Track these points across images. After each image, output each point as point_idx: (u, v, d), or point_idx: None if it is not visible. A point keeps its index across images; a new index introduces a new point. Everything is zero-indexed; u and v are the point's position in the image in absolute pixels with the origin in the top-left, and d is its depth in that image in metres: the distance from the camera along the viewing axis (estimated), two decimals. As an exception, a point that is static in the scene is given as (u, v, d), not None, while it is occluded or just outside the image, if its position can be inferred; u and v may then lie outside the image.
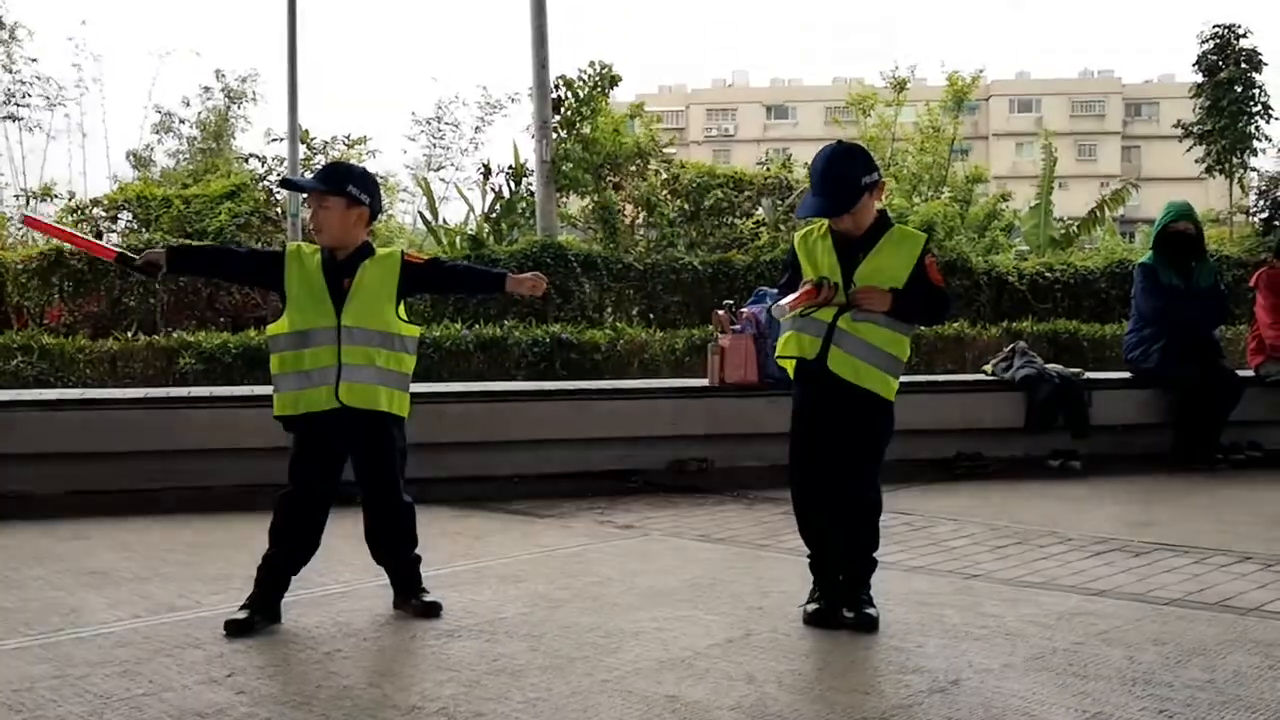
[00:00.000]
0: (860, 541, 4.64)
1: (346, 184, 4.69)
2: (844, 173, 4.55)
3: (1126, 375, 9.71)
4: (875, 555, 4.67)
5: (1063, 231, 24.02)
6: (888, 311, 4.55)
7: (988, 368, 9.71)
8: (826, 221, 4.68)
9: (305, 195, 4.91)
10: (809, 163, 4.84)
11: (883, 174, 4.77)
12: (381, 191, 5.08)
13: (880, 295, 4.53)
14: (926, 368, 13.40)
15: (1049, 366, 9.38)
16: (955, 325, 14.22)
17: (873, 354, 4.58)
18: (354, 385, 4.59)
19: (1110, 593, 5.10)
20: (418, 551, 4.90)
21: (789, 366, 4.79)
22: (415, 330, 4.83)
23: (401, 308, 4.75)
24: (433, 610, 4.73)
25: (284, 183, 5.52)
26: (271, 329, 4.75)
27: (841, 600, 4.58)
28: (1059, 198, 25.78)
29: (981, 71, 28.79)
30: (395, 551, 4.86)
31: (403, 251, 4.83)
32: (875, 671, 3.98)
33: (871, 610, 4.53)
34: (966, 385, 9.57)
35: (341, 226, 4.68)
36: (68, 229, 5.01)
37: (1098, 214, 23.96)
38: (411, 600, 4.80)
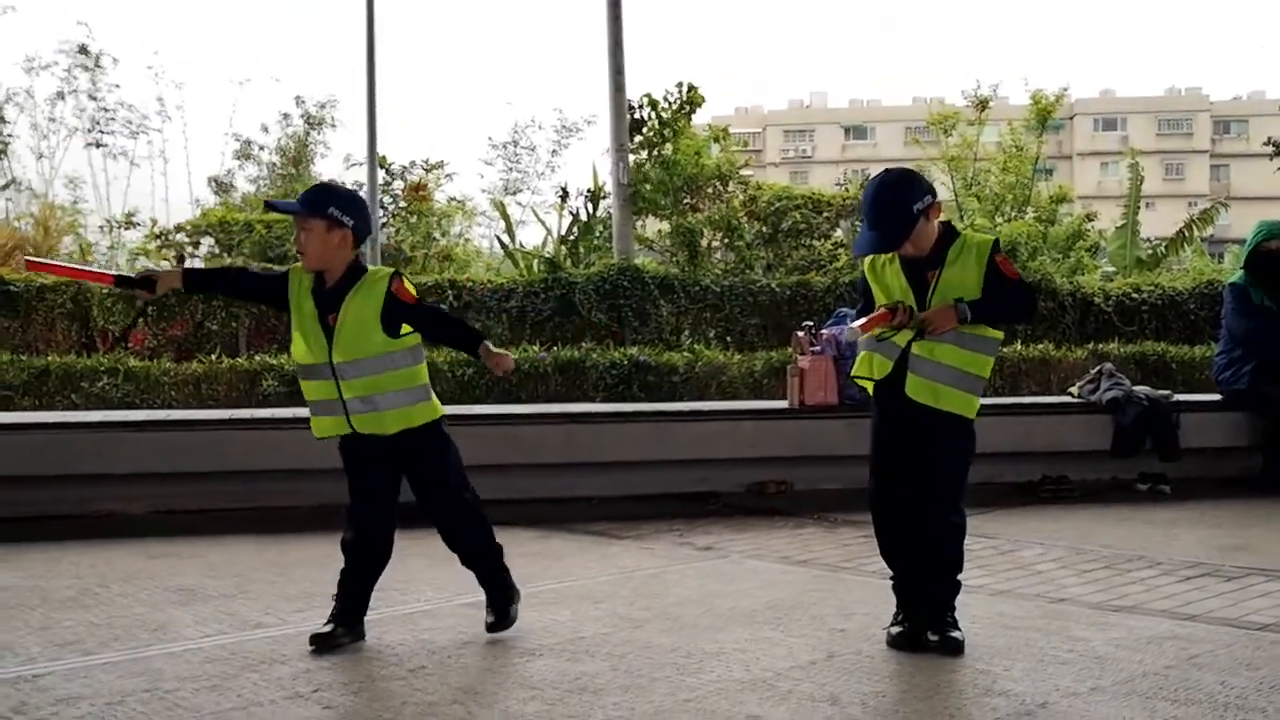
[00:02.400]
0: (944, 564, 4.58)
1: (328, 206, 4.64)
2: (895, 203, 4.49)
3: (1216, 397, 9.52)
4: (959, 578, 4.61)
5: (1150, 252, 23.67)
6: (974, 320, 4.46)
7: (1074, 390, 9.57)
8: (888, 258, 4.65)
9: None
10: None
11: (935, 193, 4.69)
12: (368, 213, 4.97)
13: (946, 314, 4.45)
14: (1011, 390, 13.24)
15: (1137, 389, 9.23)
16: (1040, 347, 14.04)
17: (951, 375, 4.52)
18: (362, 416, 4.62)
19: (1201, 617, 4.99)
20: (498, 545, 4.86)
21: (866, 386, 4.75)
22: (414, 339, 4.73)
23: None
24: (500, 627, 4.72)
25: (268, 205, 5.53)
26: (291, 353, 4.80)
27: (926, 623, 4.53)
28: (1145, 218, 25.39)
29: (1066, 89, 28.44)
30: (472, 552, 4.84)
31: (393, 276, 4.70)
32: (960, 694, 3.92)
33: (956, 634, 4.48)
34: (1052, 408, 9.44)
35: (323, 249, 4.63)
36: (62, 263, 5.13)
37: (1185, 234, 23.57)
38: (489, 613, 4.77)
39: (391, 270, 4.80)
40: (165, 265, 4.88)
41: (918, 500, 4.59)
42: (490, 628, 4.74)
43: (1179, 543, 6.82)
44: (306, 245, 4.64)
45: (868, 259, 4.75)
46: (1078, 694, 3.90)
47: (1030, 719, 3.65)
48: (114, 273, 5.01)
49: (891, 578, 4.72)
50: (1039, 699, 3.85)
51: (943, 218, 4.63)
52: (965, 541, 4.64)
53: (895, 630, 4.58)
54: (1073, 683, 4.03)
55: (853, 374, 4.82)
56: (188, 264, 17.32)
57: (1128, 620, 4.95)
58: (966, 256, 4.54)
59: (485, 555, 4.86)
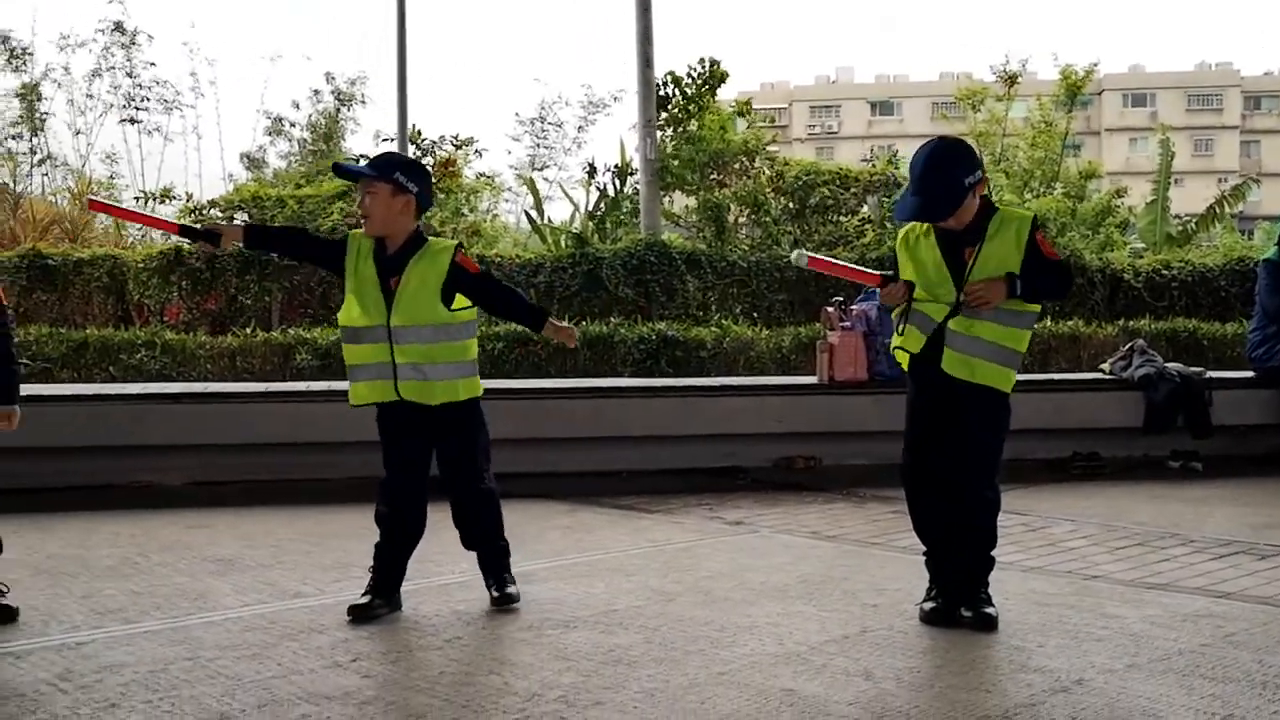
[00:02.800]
0: (977, 539, 4.58)
1: (393, 171, 4.72)
2: (946, 173, 4.44)
3: (1248, 374, 9.47)
4: (993, 554, 4.62)
5: (1180, 228, 23.51)
6: (1023, 295, 4.45)
7: (1105, 366, 9.54)
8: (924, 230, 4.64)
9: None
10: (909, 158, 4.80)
11: (984, 168, 4.69)
12: (432, 184, 5.04)
13: (997, 286, 4.43)
14: (1041, 366, 13.20)
15: (1169, 365, 9.20)
16: (1070, 324, 13.98)
17: (988, 349, 4.51)
18: (410, 383, 4.65)
19: (1236, 595, 4.99)
20: (505, 540, 4.93)
21: (902, 360, 4.74)
22: (470, 313, 4.80)
23: (456, 299, 4.73)
24: (508, 601, 4.77)
25: (336, 168, 5.46)
26: (340, 318, 4.80)
27: (959, 599, 4.53)
28: (1175, 194, 25.22)
29: (1095, 65, 28.23)
30: (478, 537, 4.91)
31: (458, 248, 4.79)
32: (996, 670, 3.94)
33: (990, 609, 4.49)
34: (1083, 384, 9.41)
35: (387, 213, 4.68)
36: (128, 208, 5.19)
37: (1216, 210, 23.41)
38: (493, 589, 4.84)
39: (455, 242, 4.88)
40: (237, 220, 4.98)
41: (953, 469, 4.58)
42: (496, 601, 4.79)
43: (1212, 520, 6.81)
44: (371, 209, 4.69)
45: (901, 233, 4.73)
46: (1114, 671, 3.91)
47: (1067, 695, 3.66)
48: (179, 222, 5.06)
49: (925, 553, 4.72)
50: (1075, 675, 3.86)
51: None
52: (999, 517, 4.64)
53: (929, 606, 4.59)
54: (1108, 660, 4.04)
55: (892, 346, 4.82)
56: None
57: (1162, 598, 4.95)
58: (1006, 232, 4.50)
59: (491, 539, 4.91)
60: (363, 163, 4.86)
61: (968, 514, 4.57)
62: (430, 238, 4.83)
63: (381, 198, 4.67)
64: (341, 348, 4.82)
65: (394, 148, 19.68)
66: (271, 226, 5.00)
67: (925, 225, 4.61)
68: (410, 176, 4.73)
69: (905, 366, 4.74)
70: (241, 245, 4.91)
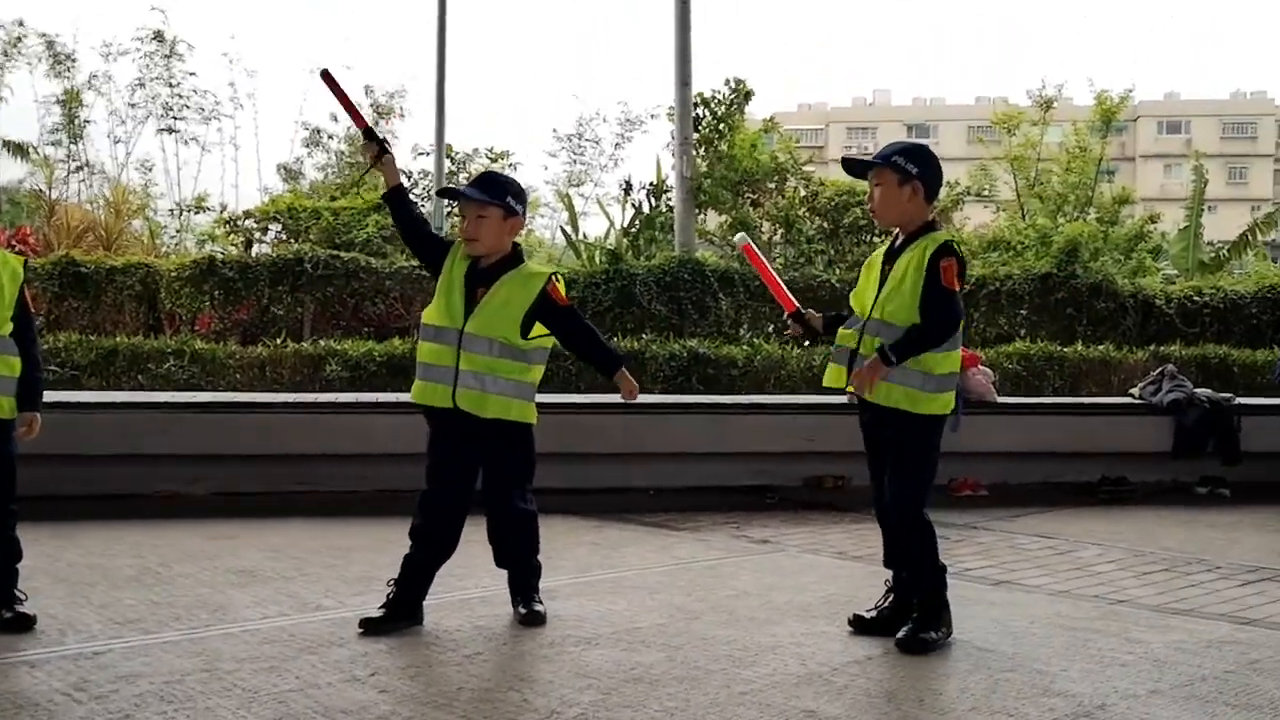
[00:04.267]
0: (911, 562, 4.56)
1: (506, 195, 4.77)
2: (897, 148, 4.58)
3: (1278, 401, 9.40)
4: (935, 582, 4.54)
5: (1212, 255, 23.38)
6: (899, 361, 4.40)
7: (1135, 391, 9.48)
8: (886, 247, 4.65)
9: (458, 204, 4.93)
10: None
11: (940, 185, 4.68)
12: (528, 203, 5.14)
13: (872, 370, 4.41)
14: (1072, 390, 13.12)
15: (1198, 391, 9.13)
16: (1101, 348, 13.89)
17: (897, 373, 4.44)
18: (468, 391, 4.65)
19: (1262, 622, 4.94)
20: (539, 559, 4.95)
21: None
22: (547, 341, 4.83)
23: (535, 328, 4.75)
24: (534, 620, 4.77)
25: (444, 192, 5.43)
26: (424, 314, 4.83)
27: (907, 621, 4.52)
28: (1208, 221, 25.09)
29: (1130, 91, 28.11)
30: (510, 556, 4.92)
31: (551, 276, 4.80)
32: (1018, 694, 3.90)
33: (926, 635, 4.41)
34: (1112, 408, 9.37)
35: (497, 236, 4.75)
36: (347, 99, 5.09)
37: (1248, 238, 23.27)
38: (519, 607, 4.85)
39: (551, 269, 4.93)
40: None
41: (887, 498, 4.62)
42: (522, 620, 4.79)
43: (1239, 546, 6.75)
44: (480, 231, 4.73)
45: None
46: (1136, 696, 3.87)
47: (1088, 720, 3.63)
48: (371, 128, 5.06)
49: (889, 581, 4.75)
50: (1097, 700, 3.82)
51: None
52: (939, 544, 4.58)
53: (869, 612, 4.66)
54: (1131, 685, 4.00)
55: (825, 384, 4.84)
56: (256, 249, 17.50)
57: (1187, 623, 4.90)
58: (915, 253, 4.46)
59: (524, 561, 4.93)
60: (463, 183, 4.89)
61: (899, 541, 4.60)
62: (526, 260, 4.87)
63: (493, 221, 4.73)
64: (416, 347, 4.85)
65: (429, 161, 19.73)
66: (413, 202, 4.99)
67: (885, 249, 4.66)
68: (518, 199, 4.81)
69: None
70: (385, 189, 4.95)
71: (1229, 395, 9.35)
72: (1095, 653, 4.41)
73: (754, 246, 4.83)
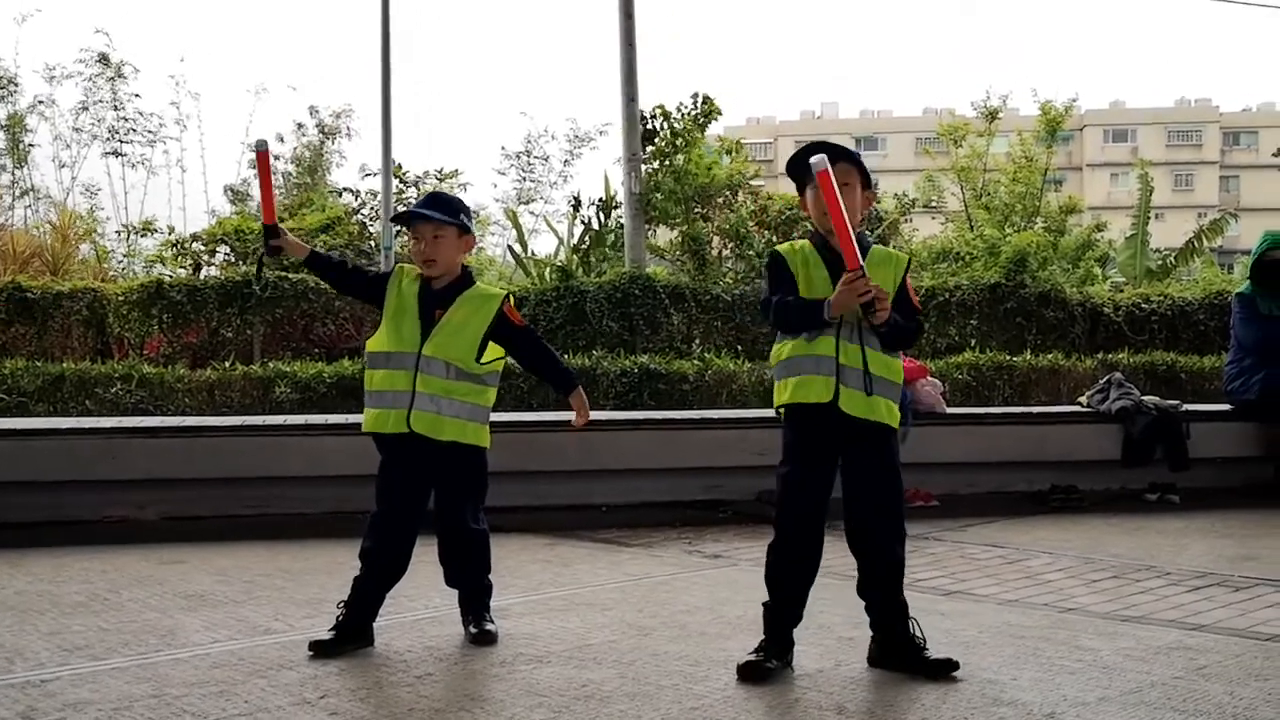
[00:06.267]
0: (896, 576, 4.51)
1: (459, 213, 4.81)
2: (837, 146, 4.41)
3: (1226, 407, 9.51)
4: (766, 602, 4.53)
5: (1159, 263, 23.66)
6: (889, 329, 4.24)
7: (1083, 399, 9.57)
8: (807, 241, 4.48)
9: (410, 226, 4.88)
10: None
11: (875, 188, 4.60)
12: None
13: (881, 295, 4.16)
14: (1021, 399, 13.24)
15: (1146, 398, 9.23)
16: (1050, 357, 14.03)
17: (878, 385, 4.32)
18: (424, 414, 4.64)
19: (1210, 628, 4.98)
20: (489, 579, 4.95)
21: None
22: (499, 365, 4.85)
23: (489, 350, 4.77)
24: (486, 639, 4.75)
25: (400, 218, 5.20)
26: (370, 344, 4.82)
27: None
28: (1155, 229, 25.41)
29: (1075, 100, 28.52)
30: (463, 576, 4.91)
31: (506, 297, 4.81)
32: (969, 704, 3.92)
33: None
34: (1061, 417, 9.44)
35: (453, 256, 4.77)
36: (268, 179, 5.10)
37: (1195, 245, 23.58)
38: (471, 626, 4.83)
39: (505, 291, 4.93)
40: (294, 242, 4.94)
41: (870, 520, 4.52)
42: (474, 639, 4.76)
43: (1188, 553, 6.82)
44: (437, 253, 4.73)
45: (784, 247, 4.50)
46: (1085, 703, 3.90)
47: (1037, 728, 3.65)
48: (276, 217, 5.02)
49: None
50: (1046, 709, 3.84)
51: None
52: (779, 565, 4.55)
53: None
54: (1080, 692, 4.03)
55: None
56: (204, 272, 17.39)
57: (1136, 630, 4.94)
58: (886, 267, 4.38)
59: (475, 580, 4.91)
60: (400, 209, 4.91)
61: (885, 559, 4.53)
62: (478, 280, 4.88)
63: (450, 241, 4.74)
64: (365, 375, 4.82)
65: (378, 181, 19.67)
66: (329, 256, 4.95)
67: (808, 245, 4.44)
68: (469, 216, 4.84)
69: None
70: (301, 259, 4.93)
71: (1176, 402, 9.44)
72: (1045, 661, 4.44)
73: (830, 175, 4.12)
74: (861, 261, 4.13)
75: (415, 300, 4.73)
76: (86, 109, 27.07)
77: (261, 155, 5.05)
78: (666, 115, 17.49)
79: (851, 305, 4.16)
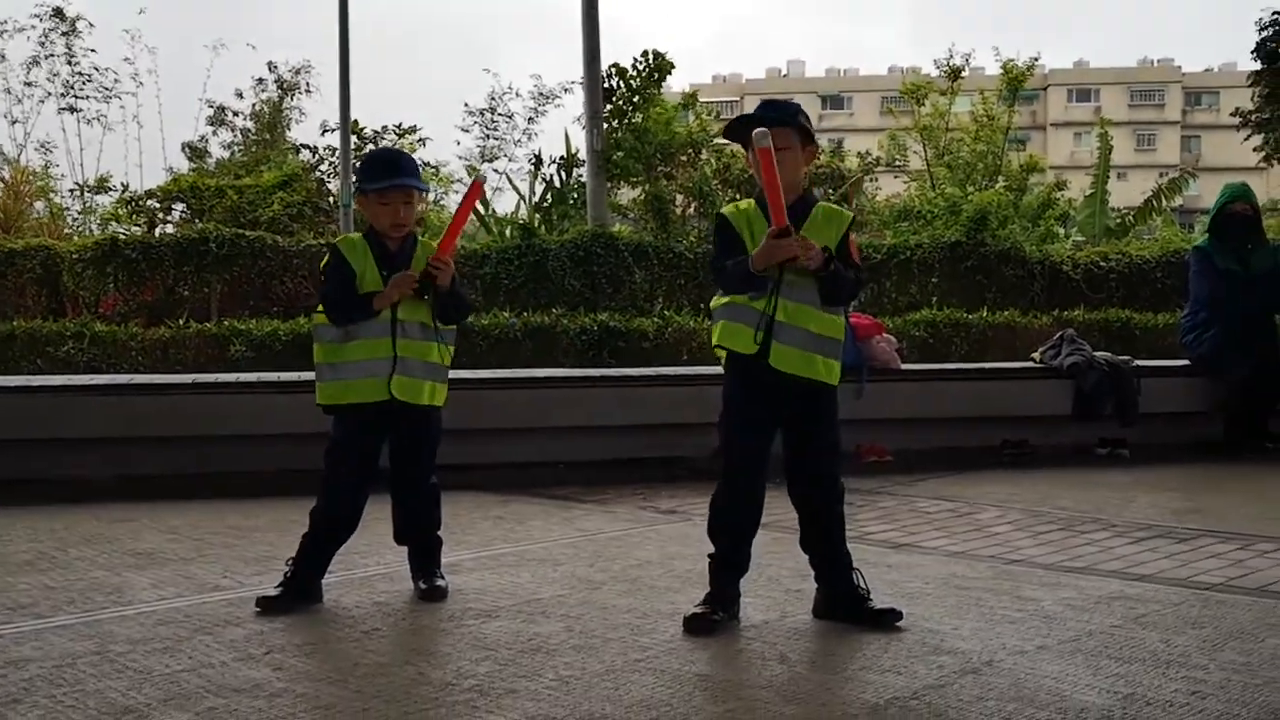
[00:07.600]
0: (838, 533, 4.59)
1: (416, 174, 4.82)
2: (783, 104, 4.43)
3: (1177, 363, 9.61)
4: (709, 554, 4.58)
5: (1119, 221, 23.78)
6: (830, 276, 4.22)
7: (1036, 355, 9.64)
8: (752, 202, 4.45)
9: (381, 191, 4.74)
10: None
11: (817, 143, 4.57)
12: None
13: (808, 249, 4.14)
14: (978, 355, 13.31)
15: (1098, 354, 9.30)
16: (1006, 314, 14.12)
17: (815, 341, 4.34)
18: (405, 379, 4.62)
19: (1151, 578, 5.05)
20: (440, 535, 4.96)
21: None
22: (451, 324, 4.85)
23: None
24: (435, 594, 4.74)
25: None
26: (320, 318, 4.73)
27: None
28: (1119, 188, 25.58)
29: (1037, 59, 28.51)
30: (415, 533, 4.91)
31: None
32: (909, 653, 3.96)
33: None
34: (1014, 372, 9.51)
35: (413, 218, 4.80)
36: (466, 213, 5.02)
37: (1154, 203, 23.71)
38: (420, 582, 4.83)
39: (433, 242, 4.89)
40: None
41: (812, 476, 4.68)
42: (423, 595, 4.76)
43: (1134, 505, 6.89)
44: (409, 217, 4.73)
45: (728, 208, 4.49)
46: (1024, 652, 3.94)
47: (976, 676, 3.69)
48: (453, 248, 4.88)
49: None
50: (985, 657, 3.89)
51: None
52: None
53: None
54: (1019, 641, 4.07)
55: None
56: (159, 229, 17.24)
57: (1079, 580, 5.00)
58: (828, 225, 4.34)
59: (425, 538, 4.91)
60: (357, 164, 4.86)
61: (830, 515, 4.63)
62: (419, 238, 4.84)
63: (416, 202, 4.76)
64: (315, 347, 4.73)
65: (337, 137, 19.52)
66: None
67: (753, 205, 4.42)
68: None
69: None
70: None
71: (1127, 357, 9.52)
72: (986, 611, 4.49)
73: (770, 148, 4.10)
74: (787, 221, 4.12)
75: (374, 267, 4.65)
76: (39, 64, 26.72)
77: (475, 185, 5.04)
78: (623, 73, 17.44)
79: (774, 259, 4.17)
